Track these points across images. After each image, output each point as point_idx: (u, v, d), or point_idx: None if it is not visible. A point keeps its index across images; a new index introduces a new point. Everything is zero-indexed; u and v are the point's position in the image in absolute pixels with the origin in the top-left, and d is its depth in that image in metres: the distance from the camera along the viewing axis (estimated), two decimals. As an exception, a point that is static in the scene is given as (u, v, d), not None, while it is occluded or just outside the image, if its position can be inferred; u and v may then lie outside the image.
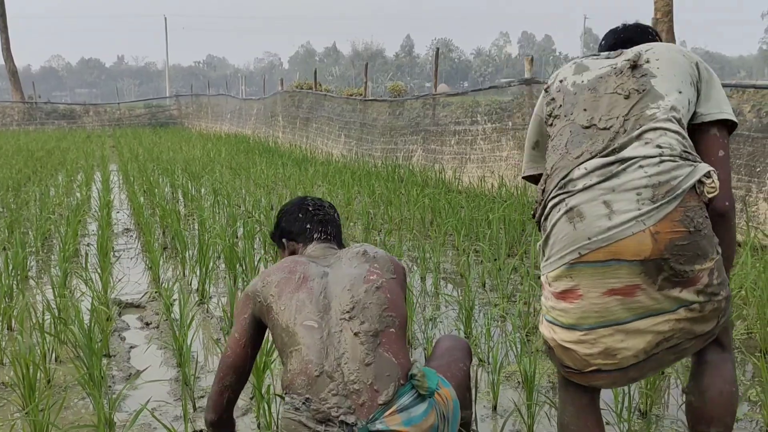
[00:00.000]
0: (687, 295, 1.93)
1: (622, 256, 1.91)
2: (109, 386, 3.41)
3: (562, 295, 2.00)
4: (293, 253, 2.52)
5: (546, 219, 2.10)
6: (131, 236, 7.16)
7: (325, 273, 2.26)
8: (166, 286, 4.79)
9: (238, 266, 5.34)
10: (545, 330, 2.10)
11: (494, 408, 3.16)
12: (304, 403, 1.97)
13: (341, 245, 2.56)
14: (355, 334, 2.09)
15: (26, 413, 2.71)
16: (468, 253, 5.47)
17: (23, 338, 3.47)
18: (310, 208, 2.55)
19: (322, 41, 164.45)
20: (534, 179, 2.47)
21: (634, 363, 1.99)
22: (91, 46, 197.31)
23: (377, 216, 7.50)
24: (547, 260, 2.06)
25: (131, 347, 4.00)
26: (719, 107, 2.13)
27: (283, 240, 2.56)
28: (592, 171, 2.00)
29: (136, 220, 7.71)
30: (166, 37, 59.68)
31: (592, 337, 1.97)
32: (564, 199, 2.03)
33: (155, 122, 30.94)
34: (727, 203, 2.08)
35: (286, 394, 2.05)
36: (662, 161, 1.95)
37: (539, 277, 2.11)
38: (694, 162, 1.98)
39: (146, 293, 5.01)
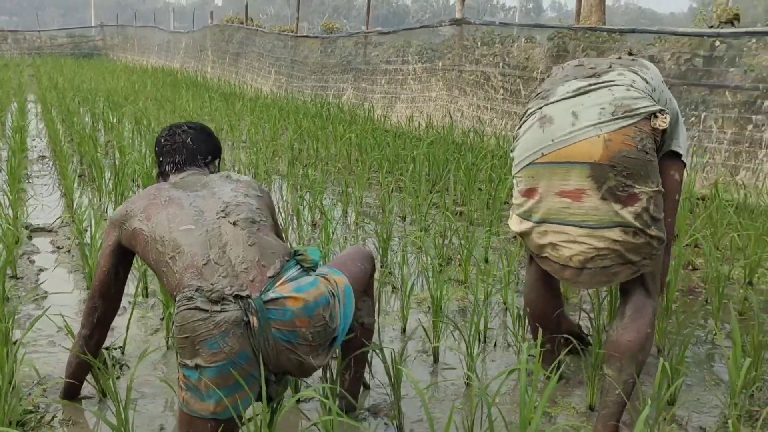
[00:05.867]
0: (625, 213, 2.24)
1: (575, 158, 2.26)
2: (14, 305, 3.34)
3: (526, 193, 2.40)
4: None
5: (520, 128, 2.46)
6: (47, 163, 6.93)
7: (190, 194, 2.26)
8: (80, 212, 4.67)
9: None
10: (514, 224, 2.51)
11: (403, 330, 3.24)
12: (196, 291, 1.96)
13: (201, 165, 2.49)
14: (234, 223, 2.14)
15: None
16: (390, 188, 5.50)
17: None
18: (162, 140, 2.51)
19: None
20: None
21: (570, 266, 2.36)
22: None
23: (303, 151, 7.45)
24: (516, 164, 2.43)
25: (40, 270, 3.92)
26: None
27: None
28: (570, 88, 2.39)
29: (53, 148, 7.45)
30: (91, -36, 56.82)
31: (543, 229, 2.38)
32: (541, 107, 2.40)
33: (78, 52, 29.65)
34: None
35: (176, 295, 2.02)
36: (629, 90, 2.32)
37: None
38: (654, 101, 2.35)
39: (59, 218, 4.89)
